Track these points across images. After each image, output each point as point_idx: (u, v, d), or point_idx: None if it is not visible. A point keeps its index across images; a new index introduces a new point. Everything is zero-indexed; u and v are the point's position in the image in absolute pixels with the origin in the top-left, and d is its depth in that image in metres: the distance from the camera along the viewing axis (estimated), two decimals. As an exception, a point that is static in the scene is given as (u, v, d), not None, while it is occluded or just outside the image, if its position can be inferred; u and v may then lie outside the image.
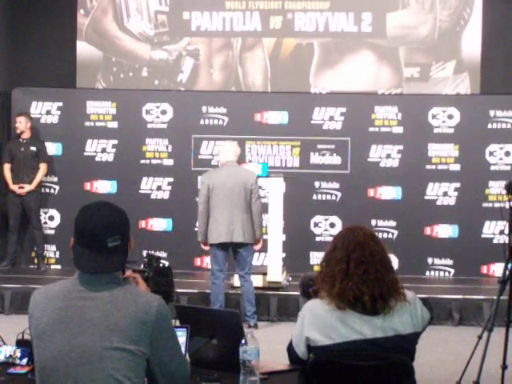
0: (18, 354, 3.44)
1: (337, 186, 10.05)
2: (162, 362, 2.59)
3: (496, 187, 9.78)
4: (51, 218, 10.23)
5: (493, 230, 9.85)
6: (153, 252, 8.29)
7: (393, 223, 10.00)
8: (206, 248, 7.92)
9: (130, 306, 2.55)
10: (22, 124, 9.76)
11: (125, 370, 2.51)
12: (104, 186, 10.20)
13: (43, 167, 9.83)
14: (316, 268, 3.48)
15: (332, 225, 10.00)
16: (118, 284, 2.61)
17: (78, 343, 2.52)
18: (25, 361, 3.41)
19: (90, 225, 2.60)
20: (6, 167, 9.78)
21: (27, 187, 9.69)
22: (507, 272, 5.49)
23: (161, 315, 2.57)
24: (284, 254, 8.92)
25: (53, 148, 10.17)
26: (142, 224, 10.10)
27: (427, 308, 3.27)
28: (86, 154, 10.21)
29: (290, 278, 8.91)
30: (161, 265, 3.46)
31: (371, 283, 3.13)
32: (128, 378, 2.51)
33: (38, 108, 10.25)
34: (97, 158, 10.21)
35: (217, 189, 7.67)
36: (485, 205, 9.88)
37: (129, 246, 2.68)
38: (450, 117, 9.99)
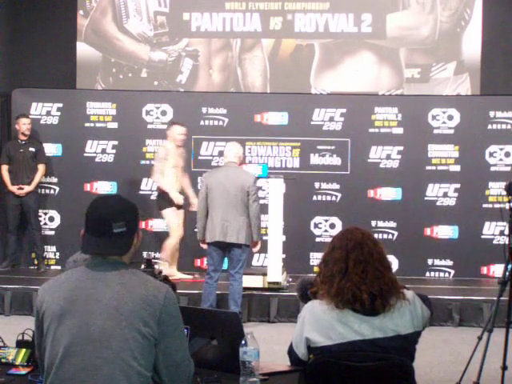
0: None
1: (337, 186, 10.05)
2: (167, 350, 2.63)
3: (496, 188, 9.77)
4: (51, 219, 10.23)
5: (493, 230, 9.85)
6: (152, 254, 8.32)
7: (393, 224, 9.99)
8: (205, 246, 7.97)
9: (139, 289, 2.62)
10: (29, 125, 9.75)
11: (132, 350, 2.56)
12: (104, 187, 10.19)
13: (42, 168, 9.83)
14: (316, 269, 3.48)
15: (332, 226, 10.00)
16: (125, 268, 2.69)
17: (88, 322, 2.58)
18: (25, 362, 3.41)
19: (97, 210, 2.72)
20: (4, 168, 9.77)
21: (26, 188, 9.68)
22: (507, 273, 5.49)
23: (169, 301, 2.64)
24: (284, 255, 8.91)
25: (53, 149, 10.17)
26: (142, 225, 10.08)
27: (426, 305, 3.27)
28: (86, 154, 10.21)
29: (290, 279, 8.91)
30: (157, 267, 3.49)
31: (370, 282, 3.13)
32: (134, 358, 2.56)
33: (37, 109, 10.25)
34: (97, 159, 10.21)
35: (214, 188, 7.76)
36: (485, 206, 9.88)
37: (136, 236, 2.76)
38: (450, 118, 9.99)
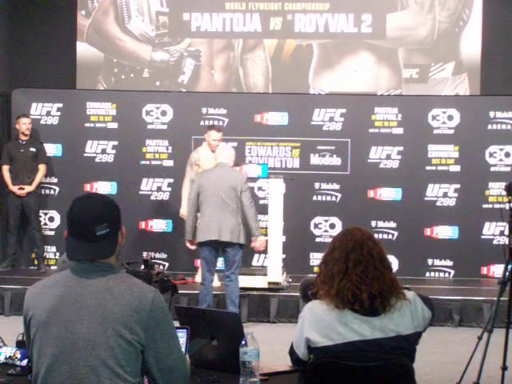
0: (18, 355, 3.44)
1: (337, 187, 10.05)
2: (158, 355, 2.59)
3: (496, 188, 9.78)
4: (51, 219, 10.24)
5: (493, 231, 9.85)
6: (150, 253, 8.30)
7: (393, 224, 10.00)
8: (193, 247, 8.00)
9: (125, 295, 2.57)
10: (29, 125, 9.76)
11: (118, 358, 2.53)
12: (104, 187, 10.20)
13: (42, 168, 9.83)
14: (316, 269, 3.50)
15: (332, 226, 10.01)
16: (112, 272, 2.64)
17: (74, 330, 2.54)
18: (25, 362, 3.41)
19: (78, 215, 2.65)
20: (5, 168, 9.78)
21: (27, 188, 9.69)
22: (507, 273, 5.49)
23: (156, 306, 2.58)
24: (284, 255, 8.91)
25: (53, 149, 10.18)
26: (142, 225, 10.10)
27: (428, 305, 3.26)
28: (86, 155, 10.21)
29: (290, 279, 8.91)
30: (157, 266, 3.48)
31: (370, 282, 3.12)
32: (121, 366, 2.53)
33: (38, 109, 10.25)
34: (97, 159, 10.22)
35: (207, 188, 7.71)
36: (485, 206, 9.89)
37: (120, 234, 2.70)
38: (450, 118, 10.00)
